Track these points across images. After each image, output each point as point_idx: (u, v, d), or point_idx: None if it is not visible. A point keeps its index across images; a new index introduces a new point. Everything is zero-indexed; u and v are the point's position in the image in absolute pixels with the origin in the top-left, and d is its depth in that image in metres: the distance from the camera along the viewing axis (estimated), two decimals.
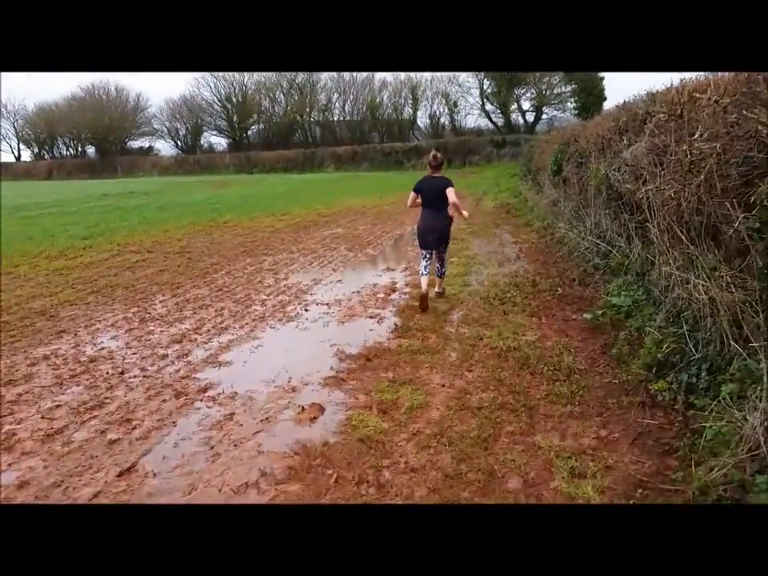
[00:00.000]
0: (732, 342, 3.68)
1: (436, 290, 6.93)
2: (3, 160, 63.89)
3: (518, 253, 9.85)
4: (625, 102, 7.58)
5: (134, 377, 4.70)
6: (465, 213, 6.65)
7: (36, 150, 66.96)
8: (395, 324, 5.87)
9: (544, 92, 46.02)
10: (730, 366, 3.59)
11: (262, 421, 3.85)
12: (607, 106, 31.62)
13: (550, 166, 12.26)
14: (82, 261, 9.34)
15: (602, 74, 40.01)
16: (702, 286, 4.01)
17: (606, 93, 39.97)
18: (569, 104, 44.77)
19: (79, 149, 65.11)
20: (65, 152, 65.99)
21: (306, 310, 6.54)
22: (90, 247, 10.59)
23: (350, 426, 3.71)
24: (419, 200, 6.64)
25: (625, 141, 6.37)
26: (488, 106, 49.31)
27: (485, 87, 48.46)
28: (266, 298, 7.09)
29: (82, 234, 11.92)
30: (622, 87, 39.29)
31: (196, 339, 5.55)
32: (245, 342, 5.44)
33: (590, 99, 38.13)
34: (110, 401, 4.26)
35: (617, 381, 4.23)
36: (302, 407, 4.01)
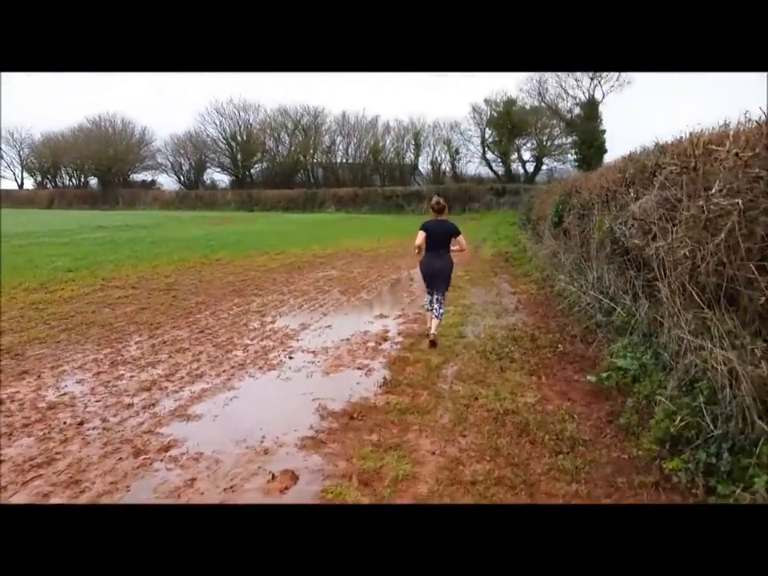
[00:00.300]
0: (757, 420, 3.29)
1: (432, 331, 6.73)
2: (6, 187, 64.18)
3: (517, 304, 9.50)
4: (631, 153, 7.36)
5: (93, 428, 4.26)
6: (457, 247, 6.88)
7: (39, 178, 67.25)
8: (384, 378, 5.46)
9: (545, 143, 46.59)
10: (756, 447, 3.19)
11: (225, 489, 3.39)
12: (608, 158, 31.88)
13: (551, 216, 12.04)
14: (62, 295, 8.94)
15: (603, 127, 40.62)
16: (722, 356, 3.63)
17: (607, 145, 40.47)
18: (569, 155, 45.29)
19: (82, 179, 65.43)
20: (68, 182, 66.26)
21: (290, 358, 6.12)
22: (72, 280, 10.20)
23: (324, 501, 3.27)
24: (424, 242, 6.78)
25: (632, 193, 6.10)
26: (489, 155, 49.98)
27: (486, 136, 49.14)
28: (249, 342, 6.68)
29: (67, 266, 11.52)
30: (622, 141, 39.83)
31: (167, 387, 5.12)
32: (219, 393, 5.01)
33: (591, 151, 38.55)
34: (61, 456, 3.81)
35: (626, 456, 3.80)
36: (273, 474, 3.56)
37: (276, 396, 5.03)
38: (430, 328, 6.71)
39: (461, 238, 6.80)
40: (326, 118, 55.52)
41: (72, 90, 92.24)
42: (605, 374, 5.18)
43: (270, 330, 7.29)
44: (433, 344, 6.56)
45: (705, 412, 3.66)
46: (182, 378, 5.38)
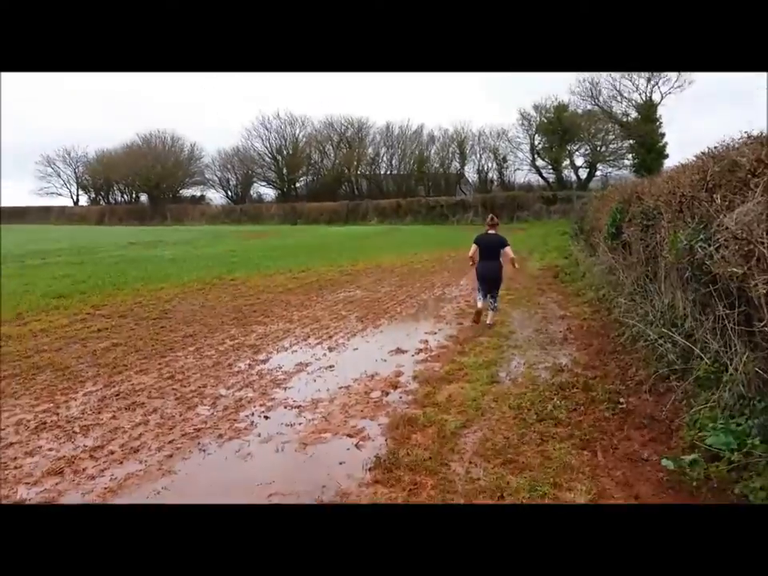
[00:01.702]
0: None
1: (488, 321, 8.19)
2: (62, 204, 66.01)
3: (566, 333, 7.92)
4: (710, 149, 5.71)
5: None
6: (516, 265, 8.71)
7: (93, 195, 68.76)
8: (377, 454, 4.03)
9: (598, 148, 44.17)
10: None
11: None
12: (669, 163, 29.51)
13: (607, 227, 10.34)
14: (33, 327, 7.79)
15: (662, 130, 38.03)
16: None
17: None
18: (625, 161, 42.73)
19: (133, 195, 66.53)
20: (119, 198, 67.51)
21: (266, 418, 4.77)
22: (56, 308, 9.08)
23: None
24: (477, 253, 8.30)
25: (718, 200, 4.51)
26: (539, 162, 47.83)
27: (536, 142, 47.06)
28: (222, 393, 5.35)
29: (60, 291, 10.46)
30: (683, 147, 36.97)
31: (84, 470, 3.82)
32: (146, 483, 3.67)
33: (650, 156, 35.95)
34: None
35: None
36: None
37: (218, 490, 3.64)
38: (480, 314, 8.21)
39: (508, 249, 8.26)
40: (369, 130, 54.61)
41: (123, 107, 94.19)
42: (688, 459, 3.61)
43: (257, 374, 5.96)
44: (490, 325, 8.14)
45: None
46: (112, 453, 4.08)
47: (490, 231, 8.36)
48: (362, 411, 4.92)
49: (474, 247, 8.33)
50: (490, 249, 8.22)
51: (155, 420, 4.67)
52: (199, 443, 4.25)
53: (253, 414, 4.83)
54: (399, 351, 6.98)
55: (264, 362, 6.45)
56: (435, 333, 8.04)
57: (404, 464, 3.86)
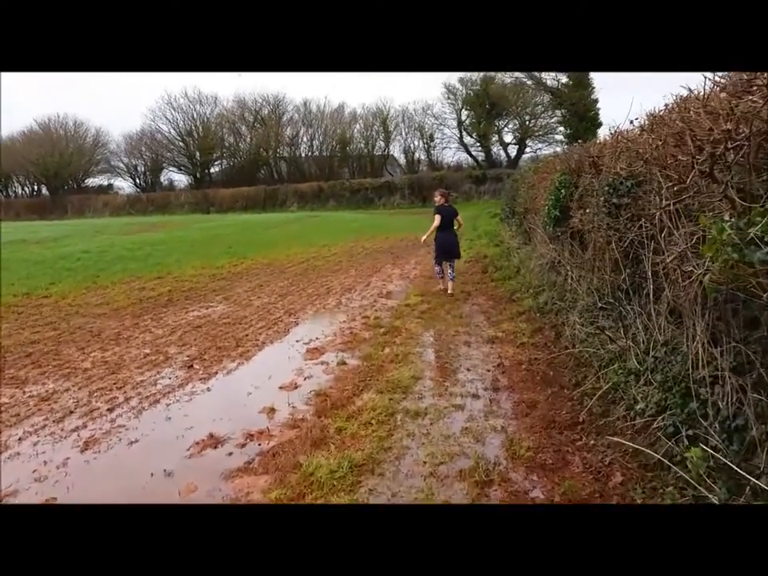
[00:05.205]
0: None
1: (449, 291, 8.86)
2: None
3: (496, 374, 5.18)
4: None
5: None
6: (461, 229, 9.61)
7: None
8: None
9: (528, 122, 41.98)
10: None
11: None
12: (603, 131, 27.30)
13: (547, 208, 7.53)
14: None
15: (596, 96, 35.89)
16: None
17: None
18: (557, 135, 40.64)
19: (34, 187, 60.04)
20: (20, 191, 60.82)
21: None
22: None
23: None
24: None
25: None
26: (467, 139, 45.24)
27: (463, 118, 44.49)
28: None
29: None
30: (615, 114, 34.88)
31: None
32: None
33: (583, 124, 33.60)
34: None
35: None
36: None
37: None
38: (446, 289, 8.98)
39: (459, 217, 9.18)
40: (287, 107, 50.58)
41: (26, 91, 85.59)
42: None
43: None
44: (451, 295, 8.76)
45: None
46: None
47: (445, 204, 9.05)
48: None
49: (438, 217, 8.80)
50: (450, 219, 8.94)
51: None
52: None
53: None
54: (210, 443, 3.96)
55: None
56: (297, 386, 5.07)
57: None
